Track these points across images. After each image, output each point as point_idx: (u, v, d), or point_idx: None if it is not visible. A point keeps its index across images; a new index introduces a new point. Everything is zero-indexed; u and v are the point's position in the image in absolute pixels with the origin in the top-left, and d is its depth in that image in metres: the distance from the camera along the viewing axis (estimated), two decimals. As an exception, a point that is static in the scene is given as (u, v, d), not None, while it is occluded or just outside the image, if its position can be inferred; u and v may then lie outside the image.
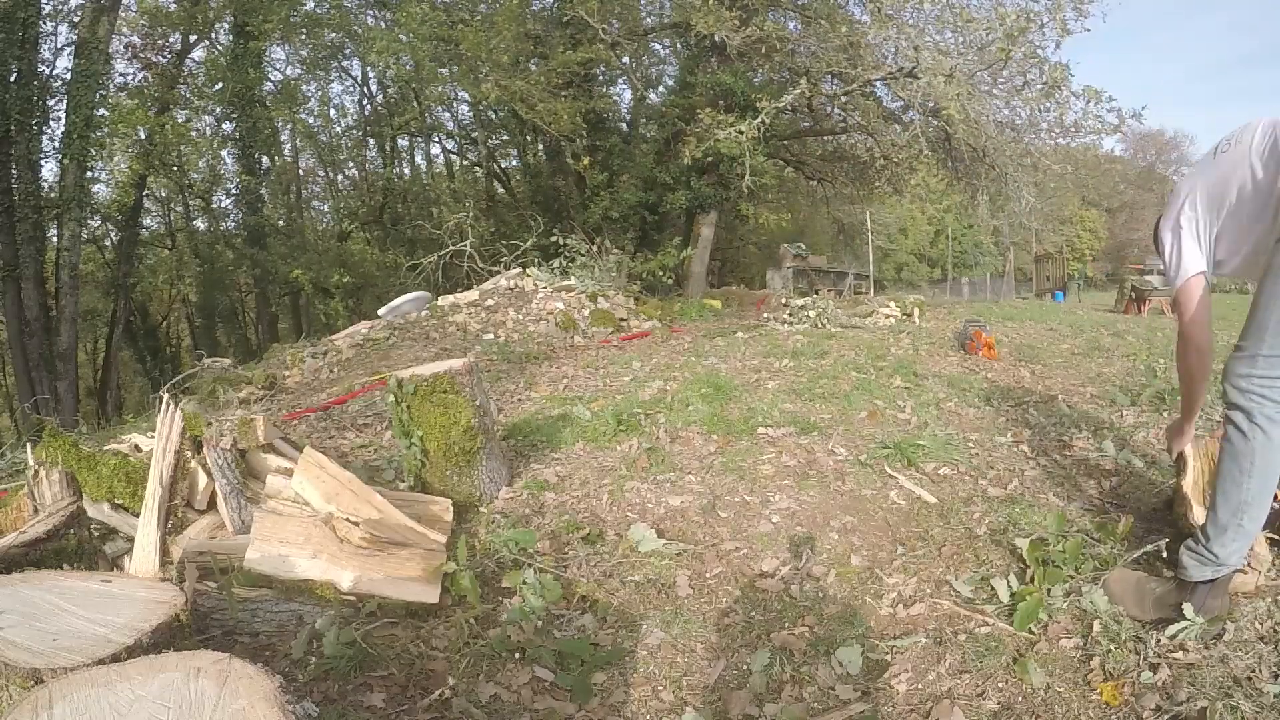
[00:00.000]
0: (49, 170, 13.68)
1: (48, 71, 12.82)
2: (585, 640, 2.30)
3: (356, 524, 2.51)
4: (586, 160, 13.60)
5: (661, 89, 16.77)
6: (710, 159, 11.94)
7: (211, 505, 2.88)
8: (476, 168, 21.28)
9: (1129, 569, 2.29)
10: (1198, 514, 2.23)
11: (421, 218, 16.79)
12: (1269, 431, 1.86)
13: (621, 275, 10.38)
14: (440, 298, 9.05)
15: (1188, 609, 1.98)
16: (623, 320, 8.57)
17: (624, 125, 16.64)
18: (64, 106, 12.50)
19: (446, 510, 2.89)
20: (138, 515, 2.69)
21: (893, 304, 8.77)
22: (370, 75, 19.91)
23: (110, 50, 14.01)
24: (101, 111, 12.96)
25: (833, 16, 11.26)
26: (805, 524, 3.00)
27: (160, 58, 17.50)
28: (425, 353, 6.85)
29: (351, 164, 22.44)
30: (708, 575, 2.70)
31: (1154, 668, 1.91)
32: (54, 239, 13.45)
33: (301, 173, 22.76)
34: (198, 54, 18.37)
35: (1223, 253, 2.14)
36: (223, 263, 20.00)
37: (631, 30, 14.65)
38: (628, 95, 17.61)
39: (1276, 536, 2.23)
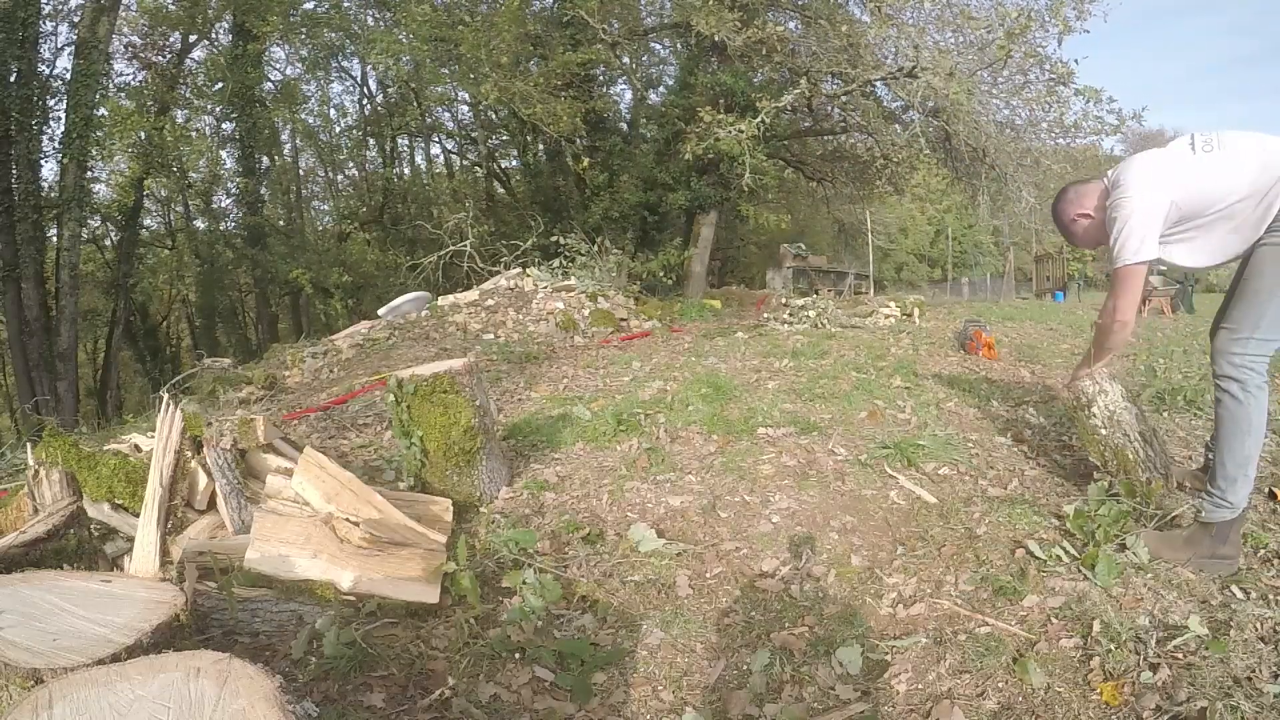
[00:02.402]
0: (49, 170, 13.72)
1: (48, 71, 12.86)
2: (585, 640, 2.30)
3: (356, 524, 2.51)
4: (586, 162, 13.60)
5: (661, 89, 16.79)
6: (710, 158, 11.93)
7: (211, 505, 2.88)
8: (476, 168, 21.28)
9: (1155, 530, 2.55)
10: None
11: (421, 218, 16.78)
12: (1258, 396, 2.27)
13: (621, 275, 10.38)
14: (440, 298, 9.06)
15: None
16: (623, 320, 8.57)
17: (624, 125, 16.62)
18: (64, 106, 12.52)
19: (446, 510, 2.89)
20: (138, 515, 2.69)
21: (893, 304, 8.78)
22: (370, 75, 19.95)
23: (110, 50, 14.05)
24: (101, 111, 12.98)
25: (833, 16, 11.25)
26: (805, 524, 3.00)
27: (160, 58, 17.54)
28: (425, 353, 6.85)
29: (351, 164, 22.48)
30: (708, 575, 2.70)
31: (1154, 668, 1.91)
32: (54, 239, 13.47)
33: (301, 173, 22.80)
34: (198, 54, 18.42)
35: (1183, 255, 2.46)
36: (223, 263, 20.02)
37: (632, 30, 14.65)
38: (628, 95, 17.64)
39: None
